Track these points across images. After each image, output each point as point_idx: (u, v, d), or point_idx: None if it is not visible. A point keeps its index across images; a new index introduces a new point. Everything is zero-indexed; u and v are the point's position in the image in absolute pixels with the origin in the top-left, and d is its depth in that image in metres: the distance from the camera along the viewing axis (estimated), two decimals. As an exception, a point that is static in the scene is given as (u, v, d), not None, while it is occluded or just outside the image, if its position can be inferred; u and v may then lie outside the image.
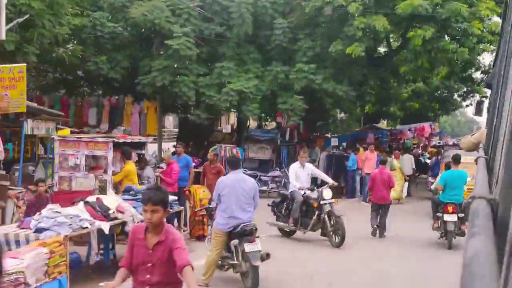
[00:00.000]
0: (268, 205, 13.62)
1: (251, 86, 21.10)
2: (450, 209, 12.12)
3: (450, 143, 47.03)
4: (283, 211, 13.22)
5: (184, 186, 12.97)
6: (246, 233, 8.27)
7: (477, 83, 34.24)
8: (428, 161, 32.31)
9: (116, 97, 23.50)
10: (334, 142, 26.30)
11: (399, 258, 11.62)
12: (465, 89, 37.51)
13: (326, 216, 12.15)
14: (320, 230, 12.51)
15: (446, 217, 12.16)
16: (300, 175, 12.93)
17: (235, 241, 8.31)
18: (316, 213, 12.28)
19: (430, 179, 21.48)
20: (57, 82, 26.11)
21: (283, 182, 20.15)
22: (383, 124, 41.87)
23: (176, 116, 26.24)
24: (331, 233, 12.13)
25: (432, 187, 14.19)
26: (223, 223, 8.39)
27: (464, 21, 20.33)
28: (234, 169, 8.70)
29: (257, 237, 8.52)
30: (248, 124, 26.98)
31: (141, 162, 13.54)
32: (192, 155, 22.85)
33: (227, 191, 8.35)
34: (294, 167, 13.16)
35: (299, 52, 22.00)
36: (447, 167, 13.63)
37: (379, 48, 29.77)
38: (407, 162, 23.30)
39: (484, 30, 20.74)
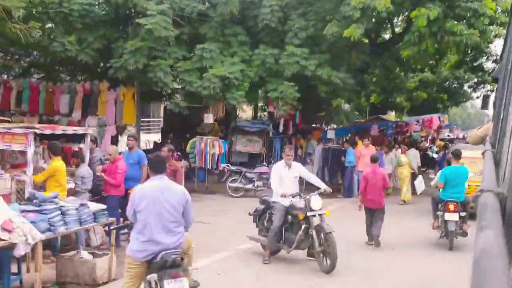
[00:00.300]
0: (249, 214, 11.21)
1: (236, 71, 18.86)
2: (451, 207, 11.47)
3: (461, 136, 45.32)
4: (265, 222, 10.73)
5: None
6: (169, 265, 5.84)
7: (489, 73, 31.41)
8: (436, 155, 30.56)
9: (90, 82, 21.34)
10: (331, 134, 24.06)
11: (396, 267, 10.39)
12: (475, 80, 35.20)
13: (314, 232, 9.63)
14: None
15: (447, 216, 11.51)
16: (284, 177, 10.23)
17: (153, 276, 5.84)
18: (303, 227, 9.76)
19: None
20: (32, 66, 24.22)
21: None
22: (391, 115, 39.03)
23: (160, 104, 24.05)
24: (320, 253, 9.58)
25: (432, 183, 13.08)
26: (139, 250, 6.00)
27: (475, 0, 18.07)
28: (156, 173, 6.22)
29: (185, 270, 6.09)
30: (237, 114, 24.71)
31: (76, 157, 11.30)
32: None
33: (144, 205, 5.99)
34: (278, 168, 10.45)
35: (290, 33, 19.71)
36: (448, 162, 12.76)
37: (383, 34, 27.66)
38: (412, 158, 21.28)
39: (498, 10, 18.38)
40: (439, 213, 11.90)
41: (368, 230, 12.11)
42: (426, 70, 32.18)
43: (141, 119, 35.97)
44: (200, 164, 19.37)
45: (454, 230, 11.53)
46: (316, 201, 9.82)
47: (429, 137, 38.86)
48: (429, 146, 37.06)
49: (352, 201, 17.73)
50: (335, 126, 29.06)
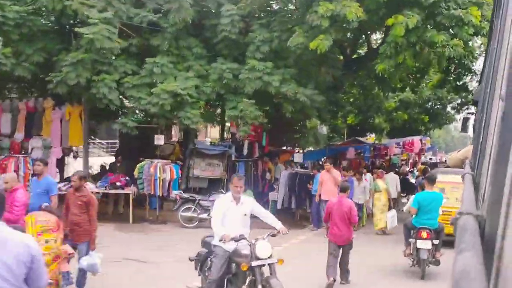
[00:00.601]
0: (190, 259, 8.94)
1: (191, 87, 16.90)
2: (424, 234, 10.96)
3: (444, 159, 43.15)
4: (207, 270, 8.50)
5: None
6: None
7: (473, 93, 28.97)
8: (415, 180, 28.78)
9: (34, 100, 19.25)
10: (298, 158, 21.96)
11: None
12: (459, 101, 33.51)
13: (260, 286, 7.39)
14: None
15: (420, 244, 11.00)
16: (231, 215, 7.94)
17: None
18: (248, 279, 7.56)
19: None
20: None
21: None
22: (371, 137, 37.87)
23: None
24: (268, 314, 7.35)
25: (404, 208, 12.60)
26: None
27: (458, 8, 16.31)
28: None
29: None
30: (197, 134, 22.63)
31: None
32: (121, 172, 18.81)
33: None
34: (223, 202, 8.16)
35: (252, 46, 17.78)
36: (422, 187, 12.44)
37: (359, 50, 25.93)
38: (391, 182, 19.15)
39: (483, 20, 16.59)
40: (411, 240, 11.30)
41: (329, 271, 10.19)
42: (406, 89, 30.24)
43: (97, 140, 33.79)
44: (149, 190, 17.18)
45: (426, 259, 11.06)
46: (262, 247, 7.57)
47: (410, 161, 37.03)
48: (410, 170, 35.14)
49: (320, 234, 15.86)
50: (310, 149, 27.23)
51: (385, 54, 16.62)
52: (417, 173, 30.60)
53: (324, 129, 33.09)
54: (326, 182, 16.14)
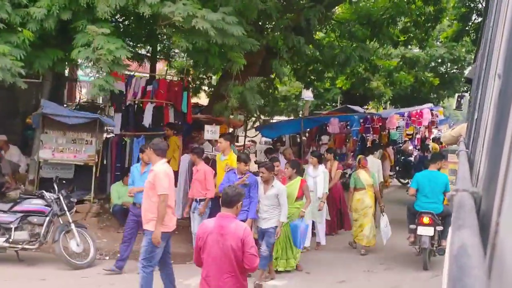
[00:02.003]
0: None
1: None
2: (425, 220, 9.87)
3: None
4: None
5: None
6: None
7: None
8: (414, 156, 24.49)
9: None
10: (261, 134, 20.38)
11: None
12: (480, 61, 28.08)
13: None
14: None
15: (421, 230, 9.92)
16: None
17: None
18: None
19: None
20: None
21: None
22: (371, 105, 31.59)
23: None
24: None
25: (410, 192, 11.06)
26: None
27: None
28: None
29: None
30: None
31: None
32: None
33: None
34: None
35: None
36: (426, 166, 11.57)
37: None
38: (374, 170, 13.10)
39: None
40: (412, 226, 10.20)
41: None
42: (412, 44, 22.35)
43: None
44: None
45: (427, 247, 9.91)
46: None
47: (418, 136, 28.20)
48: (417, 147, 27.18)
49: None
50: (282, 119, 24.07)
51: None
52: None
53: (308, 94, 27.79)
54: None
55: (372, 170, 12.40)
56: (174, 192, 8.58)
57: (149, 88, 13.84)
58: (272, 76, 17.42)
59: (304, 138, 22.19)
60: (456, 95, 22.25)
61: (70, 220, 9.59)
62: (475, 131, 3.49)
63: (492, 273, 1.12)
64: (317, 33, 19.76)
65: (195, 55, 11.77)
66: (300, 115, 29.44)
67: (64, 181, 11.35)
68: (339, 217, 13.29)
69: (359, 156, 12.88)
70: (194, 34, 9.89)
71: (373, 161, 13.73)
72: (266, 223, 9.08)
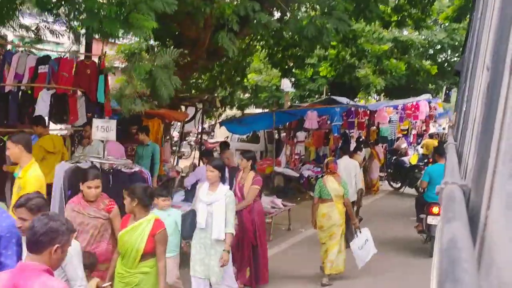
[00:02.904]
0: None
1: None
2: (435, 210, 10.24)
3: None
4: None
5: None
6: None
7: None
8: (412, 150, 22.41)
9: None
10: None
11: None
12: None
13: None
14: None
15: (430, 220, 10.36)
16: None
17: None
18: None
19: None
20: None
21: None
22: (360, 95, 27.99)
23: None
24: None
25: (418, 184, 12.75)
26: None
27: None
28: None
29: None
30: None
31: None
32: None
33: None
34: None
35: None
36: (434, 160, 12.06)
37: None
38: (347, 177, 10.82)
39: None
40: (422, 216, 10.72)
41: None
42: (407, 24, 18.55)
43: None
44: None
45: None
46: None
47: (414, 132, 25.13)
48: (413, 144, 25.00)
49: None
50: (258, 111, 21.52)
51: None
52: (421, 150, 22.15)
53: (287, 84, 24.96)
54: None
55: (346, 175, 10.65)
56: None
57: (43, 69, 10.05)
58: (232, 56, 12.39)
59: (284, 134, 20.65)
60: (444, 87, 21.85)
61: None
62: (463, 124, 3.50)
63: (481, 266, 1.13)
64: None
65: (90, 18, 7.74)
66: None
67: None
68: (253, 264, 8.44)
69: (328, 158, 10.65)
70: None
71: (348, 163, 11.44)
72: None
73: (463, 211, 1.38)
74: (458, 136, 4.09)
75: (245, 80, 21.59)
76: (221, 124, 18.98)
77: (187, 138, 25.47)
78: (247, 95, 27.59)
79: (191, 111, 16.08)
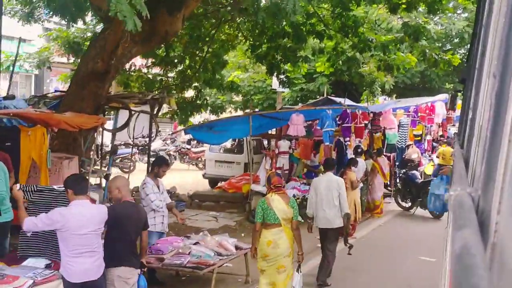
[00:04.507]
0: None
1: None
2: None
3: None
4: None
5: None
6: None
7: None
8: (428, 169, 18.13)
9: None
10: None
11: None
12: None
13: None
14: None
15: None
16: None
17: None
18: None
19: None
20: None
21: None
22: (372, 98, 23.68)
23: None
24: None
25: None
26: None
27: None
28: None
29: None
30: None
31: None
32: None
33: None
34: None
35: None
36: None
37: None
38: (327, 194, 8.89)
39: None
40: None
41: None
42: (420, 5, 14.64)
43: None
44: None
45: None
46: None
47: (429, 138, 20.83)
48: (427, 152, 20.45)
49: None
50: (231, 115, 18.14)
51: None
52: (437, 160, 18.33)
53: (276, 83, 21.59)
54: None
55: (327, 195, 8.76)
56: None
57: None
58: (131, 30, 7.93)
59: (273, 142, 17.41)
60: (448, 95, 20.54)
61: None
62: (469, 131, 3.50)
63: (492, 272, 1.13)
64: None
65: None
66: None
67: None
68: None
69: (269, 172, 9.18)
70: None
71: (331, 180, 9.00)
72: None
73: (473, 218, 1.38)
74: (464, 143, 4.09)
75: (219, 77, 18.43)
76: (185, 131, 16.01)
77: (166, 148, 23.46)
78: (220, 96, 24.13)
79: (123, 114, 12.60)
